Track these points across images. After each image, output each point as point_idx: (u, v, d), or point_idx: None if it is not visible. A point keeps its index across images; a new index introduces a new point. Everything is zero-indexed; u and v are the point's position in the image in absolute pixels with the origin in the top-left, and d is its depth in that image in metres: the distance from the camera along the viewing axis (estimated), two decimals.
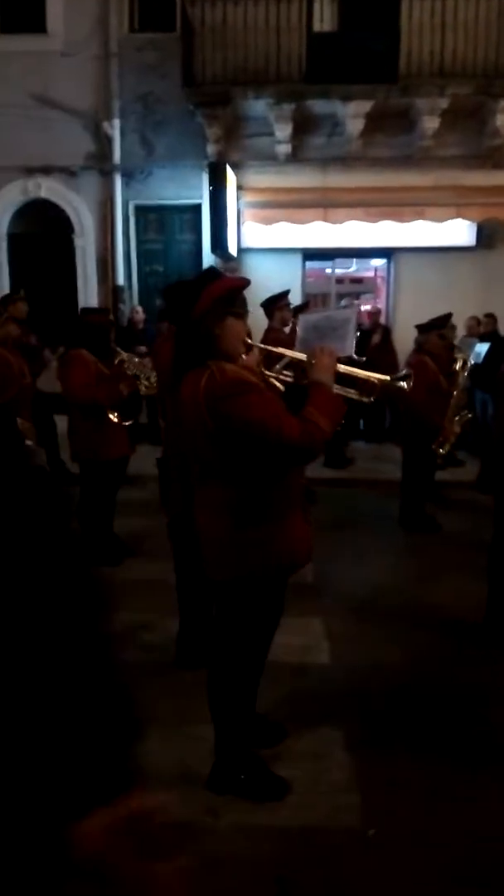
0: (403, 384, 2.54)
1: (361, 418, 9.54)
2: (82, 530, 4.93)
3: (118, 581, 4.60)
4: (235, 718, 2.62)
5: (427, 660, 3.70)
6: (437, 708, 3.25)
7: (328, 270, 11.67)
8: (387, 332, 9.26)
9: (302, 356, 2.53)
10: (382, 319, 10.51)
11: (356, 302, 9.41)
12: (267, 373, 2.65)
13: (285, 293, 6.16)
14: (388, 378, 2.53)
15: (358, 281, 15.40)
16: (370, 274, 13.06)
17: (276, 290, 6.58)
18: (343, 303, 9.58)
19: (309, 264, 10.70)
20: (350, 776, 2.75)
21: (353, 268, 13.80)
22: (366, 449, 8.83)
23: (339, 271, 12.02)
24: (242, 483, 2.32)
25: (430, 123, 9.10)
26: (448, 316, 6.64)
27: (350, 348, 2.60)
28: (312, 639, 3.87)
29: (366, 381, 2.54)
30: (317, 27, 9.22)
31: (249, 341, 2.61)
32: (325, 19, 9.23)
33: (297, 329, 2.79)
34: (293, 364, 2.61)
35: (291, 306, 6.40)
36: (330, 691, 3.37)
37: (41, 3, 9.57)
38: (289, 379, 2.60)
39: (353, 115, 9.11)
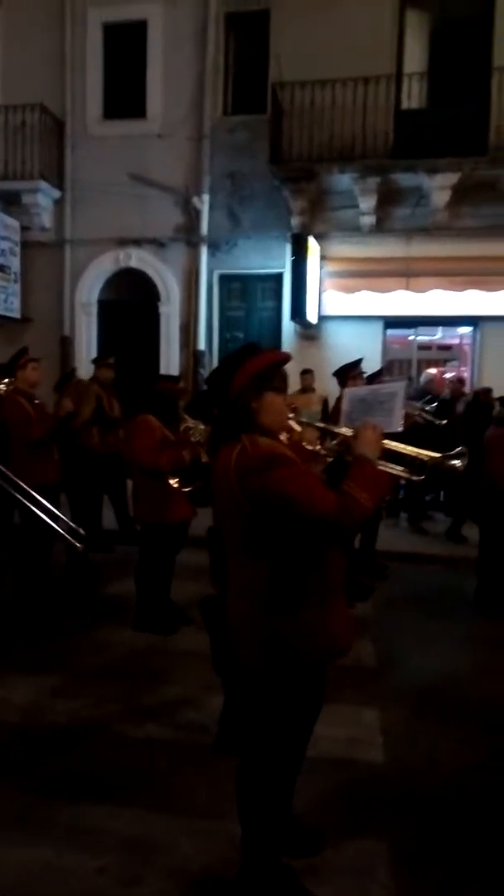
0: (457, 463, 2.38)
1: (442, 489, 9.20)
2: (138, 594, 4.91)
3: (170, 651, 4.51)
4: (265, 820, 2.41)
5: (494, 767, 3.33)
6: (499, 825, 2.89)
7: (410, 337, 11.58)
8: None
9: (347, 431, 2.43)
10: (467, 388, 10.25)
11: (433, 371, 9.17)
12: (319, 449, 2.55)
13: (358, 362, 6.08)
14: (438, 456, 2.38)
15: (445, 348, 15.19)
16: (455, 341, 12.84)
17: (355, 356, 6.54)
18: (387, 379, 9.38)
19: (391, 332, 10.65)
20: None
21: (437, 335, 13.65)
22: (445, 522, 8.46)
23: (422, 338, 11.90)
24: (275, 564, 2.20)
25: None
26: None
27: (397, 424, 2.47)
28: (364, 732, 3.58)
29: (415, 458, 2.39)
30: (405, 104, 9.43)
31: (305, 421, 2.54)
32: (412, 96, 9.43)
33: (343, 403, 2.69)
34: (344, 441, 2.51)
35: (366, 375, 6.31)
36: (378, 795, 3.07)
37: (142, 89, 10.32)
38: (334, 454, 2.49)
39: (438, 186, 9.16)
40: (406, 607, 5.56)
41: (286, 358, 2.38)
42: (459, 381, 9.65)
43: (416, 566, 6.77)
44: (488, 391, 8.59)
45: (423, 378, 9.00)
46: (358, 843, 2.74)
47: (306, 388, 8.53)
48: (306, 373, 8.53)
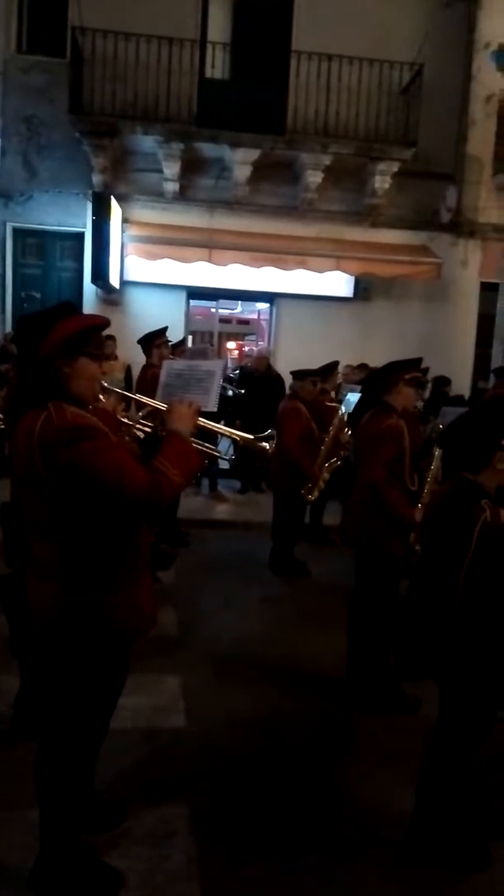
0: (266, 445, 2.42)
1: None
2: None
3: None
4: (64, 800, 2.30)
5: (286, 721, 3.53)
6: (291, 776, 3.07)
7: (213, 310, 11.70)
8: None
9: (162, 405, 2.35)
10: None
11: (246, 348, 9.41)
12: (125, 420, 2.44)
13: (163, 330, 5.98)
14: (250, 437, 2.42)
15: (244, 322, 15.61)
16: (254, 316, 13.26)
17: (159, 325, 6.42)
18: (193, 346, 9.50)
19: (193, 302, 10.67)
20: (191, 861, 2.50)
21: (237, 309, 13.97)
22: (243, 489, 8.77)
23: (223, 311, 12.09)
24: (82, 542, 2.07)
25: (314, 178, 9.41)
26: (334, 365, 6.75)
27: (213, 403, 2.47)
28: (167, 699, 3.60)
29: (227, 437, 2.40)
30: (208, 73, 9.35)
31: (106, 385, 2.41)
32: (216, 66, 9.37)
33: (161, 375, 2.61)
34: (154, 413, 2.43)
35: (170, 343, 6.24)
36: (180, 759, 3.11)
37: None
38: (148, 428, 2.40)
39: (240, 161, 9.25)
40: (206, 573, 5.67)
41: (104, 322, 2.23)
42: (259, 356, 9.95)
43: (215, 531, 6.93)
44: (446, 381, 8.90)
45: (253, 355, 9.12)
46: (159, 810, 2.75)
47: (108, 355, 8.24)
48: (108, 339, 8.25)
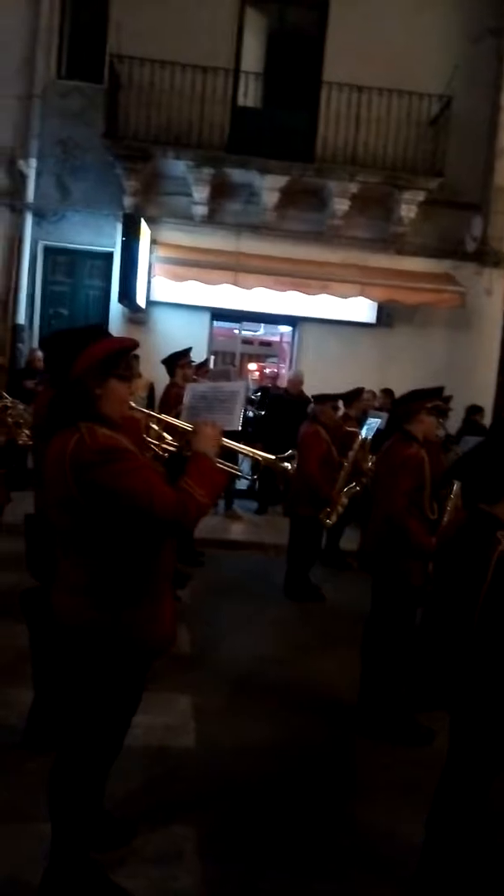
0: (287, 465, 2.45)
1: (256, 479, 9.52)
2: None
3: None
4: (77, 815, 2.32)
5: (298, 745, 3.52)
6: (301, 802, 3.05)
7: (235, 331, 11.82)
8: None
9: (187, 426, 2.40)
10: (283, 384, 10.70)
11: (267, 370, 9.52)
12: (150, 440, 2.49)
13: (187, 350, 6.07)
14: (272, 458, 2.44)
15: (266, 344, 15.76)
16: (276, 338, 13.37)
17: (182, 345, 6.52)
18: (216, 367, 9.60)
19: (217, 323, 10.78)
20: (199, 883, 2.49)
21: (260, 331, 14.11)
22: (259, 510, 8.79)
23: (246, 333, 12.20)
24: (111, 558, 2.12)
25: (341, 205, 9.53)
26: (359, 391, 6.79)
27: (237, 422, 2.51)
28: (179, 719, 3.61)
29: (250, 458, 2.44)
30: (241, 101, 9.55)
31: (134, 406, 2.46)
32: (248, 95, 9.57)
33: (185, 397, 2.67)
34: (179, 433, 2.48)
35: (194, 363, 6.33)
36: (190, 780, 3.11)
37: None
38: (172, 448, 2.45)
39: (269, 187, 9.40)
40: (220, 594, 5.68)
41: (134, 345, 2.29)
42: (273, 378, 10.03)
43: (230, 552, 6.95)
44: (477, 409, 8.91)
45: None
46: (167, 830, 2.75)
47: (133, 374, 8.35)
48: (133, 358, 8.35)
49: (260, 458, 2.43)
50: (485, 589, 2.18)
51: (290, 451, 2.48)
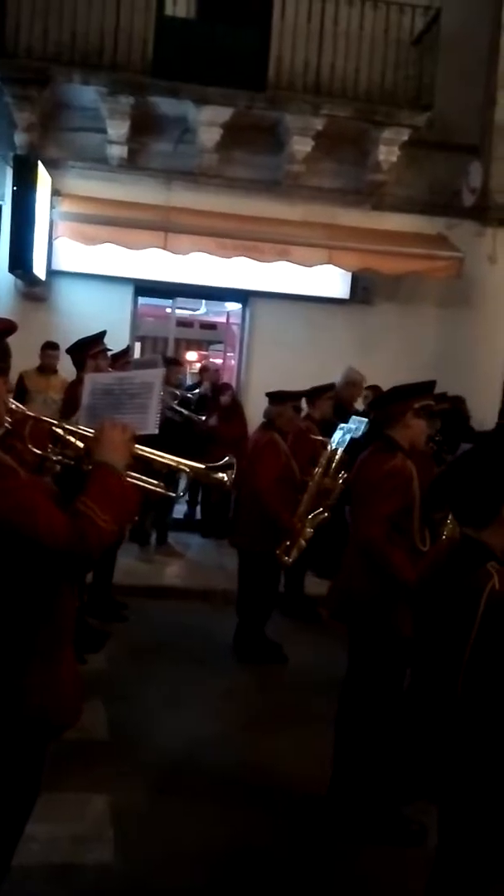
0: (222, 476, 2.47)
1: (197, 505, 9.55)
2: None
3: None
4: None
5: (249, 854, 3.53)
6: None
7: (168, 310, 11.85)
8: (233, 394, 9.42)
9: (87, 431, 2.39)
10: (233, 379, 10.77)
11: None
12: (35, 450, 2.47)
13: (100, 336, 6.02)
14: (201, 467, 2.46)
15: (208, 327, 15.87)
16: (222, 319, 13.45)
17: (96, 328, 6.46)
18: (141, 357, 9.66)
19: (142, 300, 10.77)
20: None
21: (200, 310, 14.20)
22: (203, 546, 8.80)
23: (181, 312, 12.25)
24: None
25: (301, 146, 9.65)
26: (327, 388, 6.86)
27: (153, 424, 2.50)
28: (91, 826, 3.59)
29: (173, 468, 2.44)
30: (169, 10, 9.62)
31: (16, 406, 2.44)
32: (178, 1, 9.64)
33: (83, 392, 2.66)
34: (76, 440, 2.46)
35: (111, 353, 6.29)
36: None
37: None
38: (68, 461, 2.43)
39: (207, 122, 9.46)
40: (148, 658, 5.66)
41: (10, 327, 2.28)
42: (216, 370, 10.09)
43: (163, 602, 6.93)
44: (461, 400, 9.01)
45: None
46: None
47: (46, 368, 8.28)
48: (50, 347, 8.28)
49: (186, 469, 2.44)
50: (471, 642, 2.22)
51: (226, 458, 2.50)
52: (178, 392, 8.32)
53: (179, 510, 9.41)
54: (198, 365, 13.82)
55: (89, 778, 3.92)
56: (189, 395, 9.08)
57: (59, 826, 3.43)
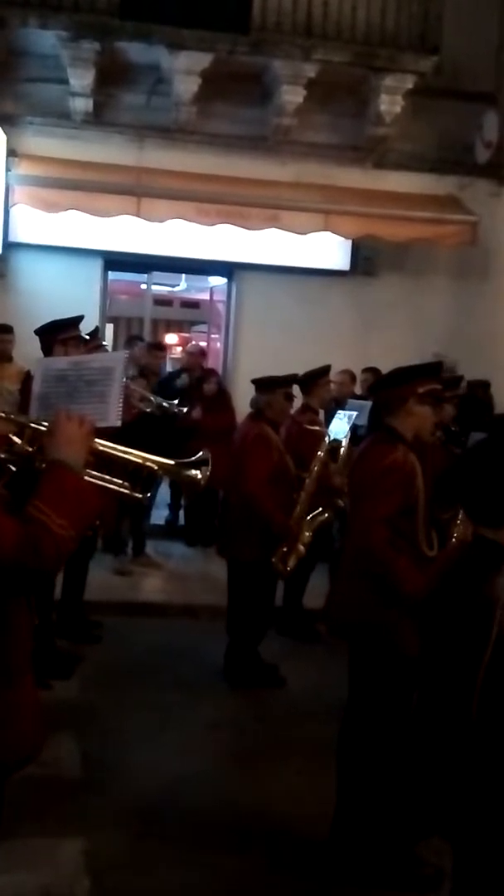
0: (195, 473, 2.48)
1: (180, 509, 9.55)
2: None
3: None
4: None
5: None
6: None
7: (143, 286, 11.84)
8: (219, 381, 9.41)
9: (40, 425, 2.39)
10: (218, 363, 10.77)
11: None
12: None
13: (75, 320, 5.98)
14: (171, 463, 2.47)
15: (190, 305, 15.87)
16: (205, 296, 13.45)
17: (61, 308, 6.46)
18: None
19: (113, 275, 10.76)
20: None
21: (180, 286, 14.20)
22: (187, 556, 8.80)
23: (159, 288, 12.24)
24: None
25: (292, 96, 9.63)
26: (322, 371, 6.86)
27: (114, 415, 2.51)
28: (63, 875, 3.60)
29: (139, 466, 2.45)
30: None
31: None
32: None
33: (34, 381, 2.67)
34: (27, 435, 2.47)
35: (88, 340, 6.27)
36: None
37: None
38: (17, 458, 2.44)
39: (183, 70, 9.43)
40: (126, 684, 5.65)
41: None
42: (200, 353, 10.10)
43: (143, 620, 6.94)
44: (486, 385, 9.06)
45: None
46: None
47: (1, 355, 8.25)
48: (2, 331, 8.25)
49: (154, 465, 2.45)
50: (486, 660, 2.23)
51: (200, 454, 2.51)
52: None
53: (160, 515, 9.42)
54: (179, 349, 13.84)
55: (60, 820, 3.93)
56: (175, 383, 9.06)
57: (27, 875, 3.45)
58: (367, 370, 8.76)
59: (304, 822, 4.07)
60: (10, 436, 2.44)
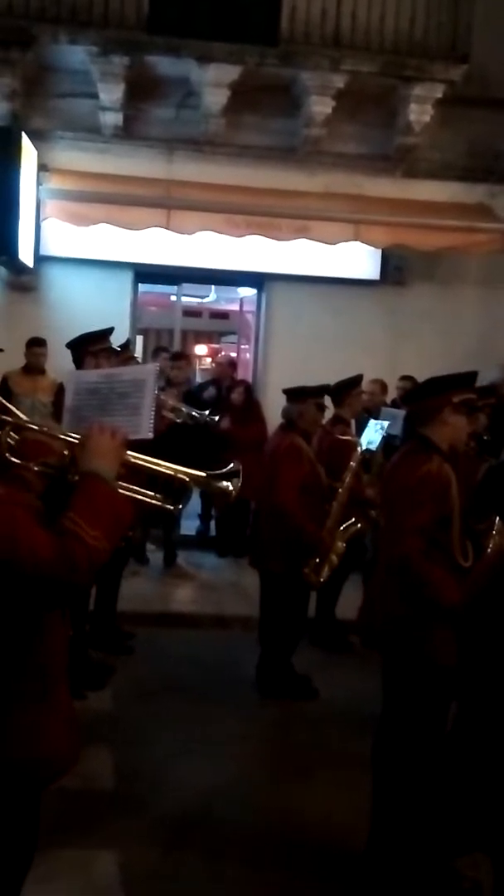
0: (226, 485, 2.47)
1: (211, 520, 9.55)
2: None
3: None
4: None
5: None
6: None
7: (173, 297, 11.88)
8: (248, 391, 9.41)
9: (73, 437, 2.39)
10: (248, 374, 10.77)
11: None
12: (15, 460, 2.48)
13: (106, 333, 6.03)
14: (202, 475, 2.46)
15: (220, 316, 15.91)
16: (235, 307, 13.47)
17: (92, 320, 6.50)
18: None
19: (143, 287, 10.80)
20: None
21: (210, 297, 14.22)
22: (218, 566, 8.80)
23: (188, 300, 12.27)
24: None
25: (321, 107, 9.64)
26: (355, 381, 6.85)
27: (147, 427, 2.50)
28: (97, 886, 3.61)
29: (171, 477, 2.45)
30: None
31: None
32: None
33: (66, 392, 2.67)
34: (60, 448, 2.47)
35: (119, 352, 6.31)
36: None
37: None
38: (51, 471, 2.44)
39: (213, 83, 9.48)
40: (159, 695, 5.66)
41: None
42: (230, 364, 10.11)
43: (175, 631, 6.94)
44: None
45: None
46: None
47: (33, 368, 8.32)
48: (35, 344, 8.32)
49: (186, 477, 2.44)
50: None
51: (231, 465, 2.50)
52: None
53: (192, 526, 9.44)
54: (208, 360, 13.86)
55: (94, 833, 3.93)
56: (203, 395, 9.09)
57: (62, 889, 3.45)
58: (404, 378, 8.72)
59: (338, 834, 4.07)
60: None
